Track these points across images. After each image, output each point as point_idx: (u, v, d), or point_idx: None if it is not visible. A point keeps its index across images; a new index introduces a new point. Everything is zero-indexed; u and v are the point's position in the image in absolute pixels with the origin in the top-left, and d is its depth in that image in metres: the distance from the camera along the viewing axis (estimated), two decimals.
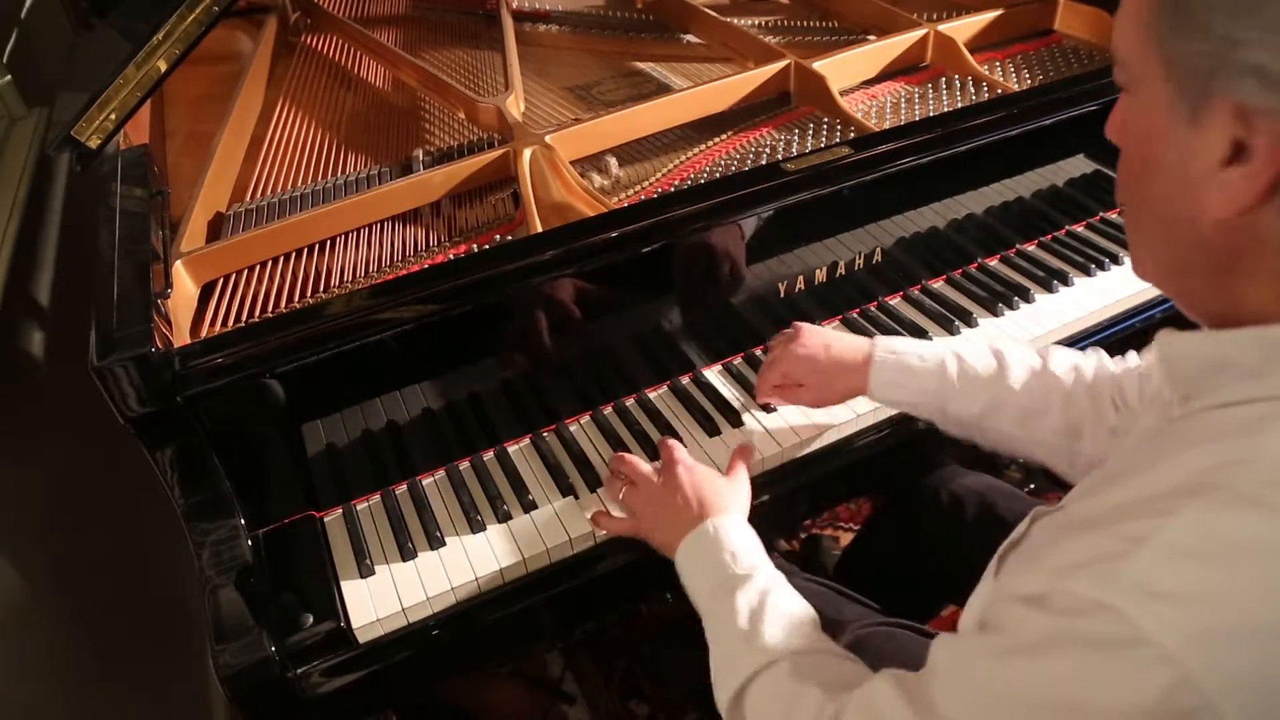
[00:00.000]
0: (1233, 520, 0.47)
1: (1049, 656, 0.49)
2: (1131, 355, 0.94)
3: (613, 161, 1.28)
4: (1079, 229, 1.40)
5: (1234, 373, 0.53)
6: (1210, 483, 0.48)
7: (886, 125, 1.33)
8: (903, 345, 1.00)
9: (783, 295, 1.18)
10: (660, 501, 0.93)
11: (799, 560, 1.76)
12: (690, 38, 1.66)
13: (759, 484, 1.03)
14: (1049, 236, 1.39)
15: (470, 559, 0.96)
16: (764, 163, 1.25)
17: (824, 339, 1.02)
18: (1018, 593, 0.53)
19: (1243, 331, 0.53)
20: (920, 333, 1.21)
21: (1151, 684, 0.45)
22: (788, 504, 1.12)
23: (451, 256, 1.12)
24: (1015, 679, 0.52)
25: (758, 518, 0.94)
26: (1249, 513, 0.47)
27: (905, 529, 1.23)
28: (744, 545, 0.86)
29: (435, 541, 0.98)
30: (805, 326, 1.05)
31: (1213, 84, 0.49)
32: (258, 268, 1.12)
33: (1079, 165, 1.34)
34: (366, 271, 1.13)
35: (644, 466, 0.98)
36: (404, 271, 1.10)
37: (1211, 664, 0.44)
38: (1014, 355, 0.96)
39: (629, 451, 1.06)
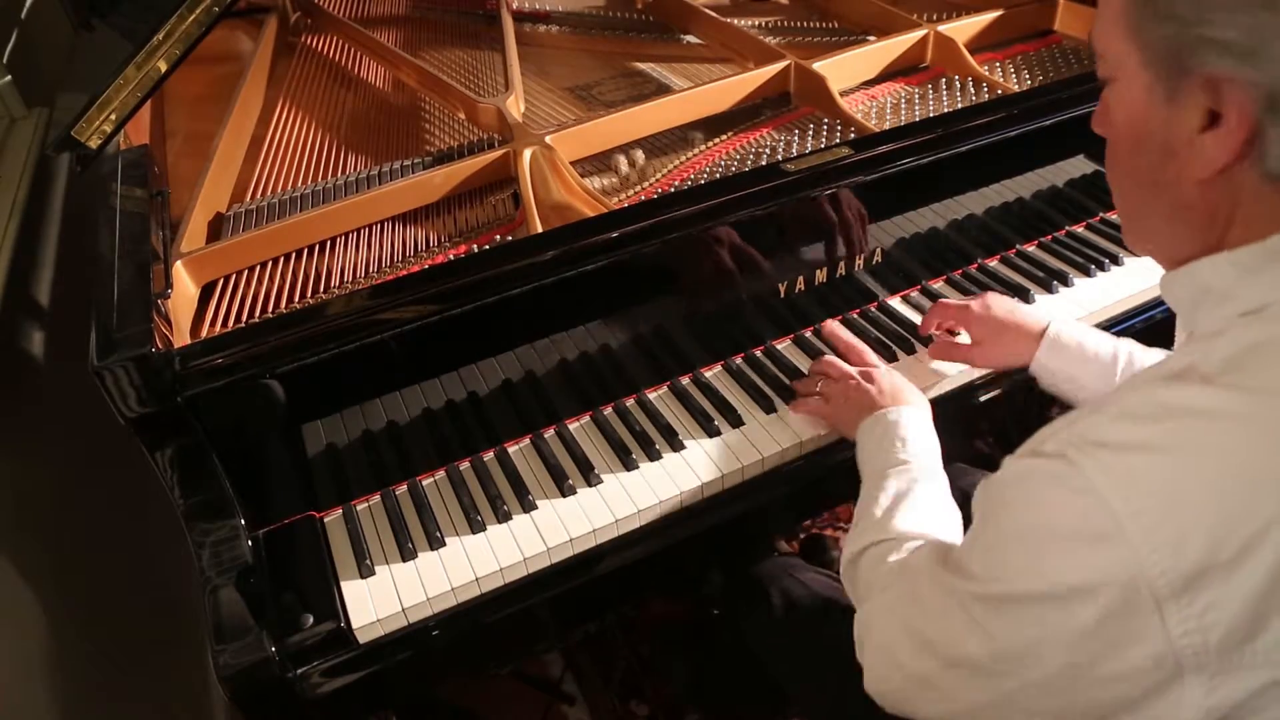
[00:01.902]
0: (1176, 391, 0.55)
1: (1019, 487, 0.61)
2: None
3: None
4: (1079, 229, 1.40)
5: (1213, 297, 0.61)
6: (1166, 374, 0.58)
7: (886, 126, 1.33)
8: (1078, 326, 1.05)
9: (783, 295, 1.18)
10: (856, 390, 1.03)
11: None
12: (690, 38, 1.66)
13: (759, 479, 1.03)
14: (1049, 237, 1.39)
15: (470, 559, 0.96)
16: (764, 163, 1.25)
17: (1010, 305, 1.09)
18: (1020, 450, 0.63)
19: (1216, 257, 0.61)
20: (920, 334, 1.21)
21: (1076, 507, 0.55)
22: (789, 503, 1.12)
23: (451, 256, 1.12)
24: (1000, 507, 0.62)
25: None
26: (1192, 386, 0.55)
27: None
28: (915, 435, 0.95)
29: (435, 542, 0.98)
30: (994, 294, 1.11)
31: (1184, 62, 0.56)
32: (258, 268, 1.12)
33: (1079, 165, 1.35)
34: (367, 272, 1.13)
35: (844, 365, 1.09)
36: (404, 272, 1.10)
37: (1125, 495, 0.53)
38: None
39: (629, 450, 1.06)
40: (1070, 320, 1.06)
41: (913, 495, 0.88)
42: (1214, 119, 0.56)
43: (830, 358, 1.12)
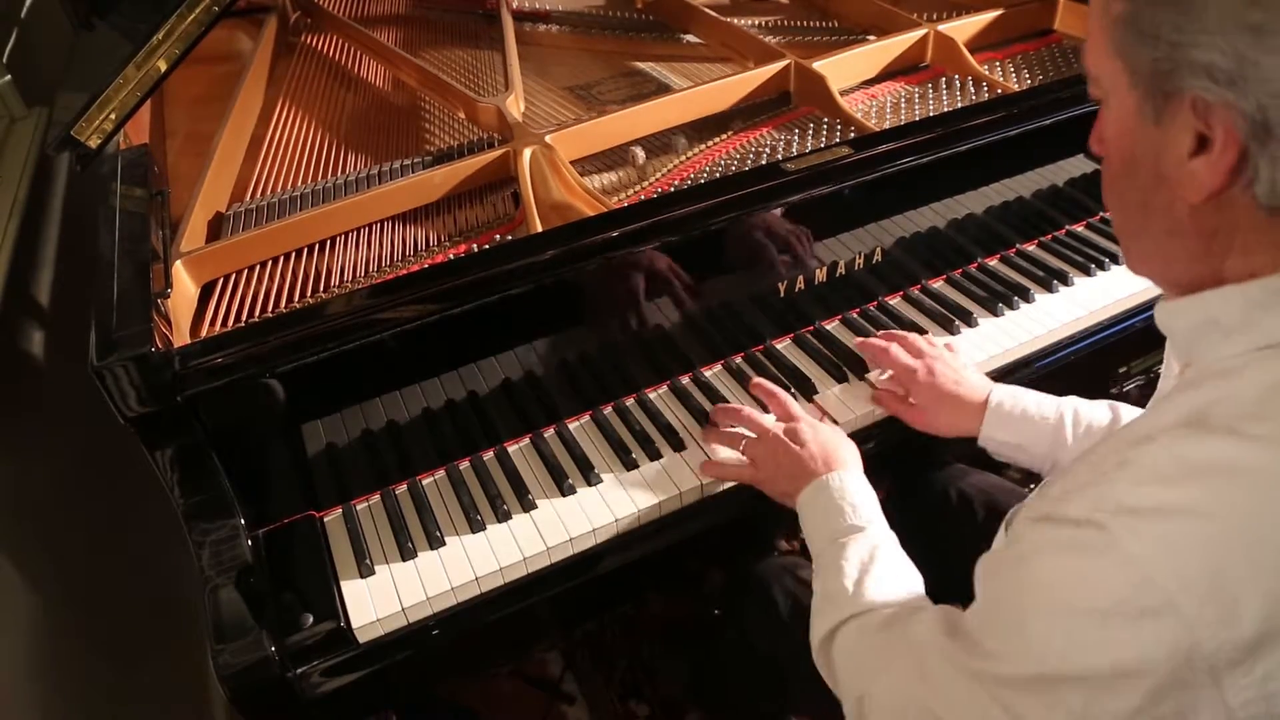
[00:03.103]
0: (1201, 446, 0.53)
1: (1044, 559, 0.57)
2: None
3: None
4: (1079, 229, 1.40)
5: (1220, 330, 0.59)
6: (1188, 420, 0.55)
7: (886, 125, 1.33)
8: (1018, 393, 1.02)
9: (783, 295, 1.18)
10: (784, 453, 0.98)
11: None
12: (690, 38, 1.66)
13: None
14: (1049, 236, 1.39)
15: (470, 559, 0.96)
16: (764, 163, 1.25)
17: (957, 375, 1.06)
18: (1028, 516, 0.61)
19: (1224, 289, 0.59)
20: (920, 332, 1.21)
21: (1121, 582, 0.52)
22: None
23: (451, 256, 1.12)
24: (1025, 582, 0.59)
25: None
26: (1218, 439, 0.53)
27: (912, 527, 1.23)
28: (863, 499, 0.92)
29: (435, 541, 0.98)
30: (944, 356, 1.08)
31: (1170, 85, 0.55)
32: (258, 268, 1.12)
33: (1079, 165, 1.34)
34: (367, 271, 1.13)
35: (764, 419, 1.03)
36: (404, 271, 1.10)
37: (1172, 567, 0.50)
38: (1125, 408, 0.99)
39: (629, 450, 1.06)
40: (1011, 387, 1.03)
41: (877, 562, 0.85)
42: (1204, 143, 0.55)
43: (748, 411, 1.05)
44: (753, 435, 1.03)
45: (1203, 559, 0.50)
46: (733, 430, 1.06)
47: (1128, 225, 0.66)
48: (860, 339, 1.16)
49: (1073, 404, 0.99)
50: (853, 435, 1.10)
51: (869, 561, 0.85)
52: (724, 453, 1.06)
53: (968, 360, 1.11)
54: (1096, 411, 0.98)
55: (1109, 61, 0.59)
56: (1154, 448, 0.55)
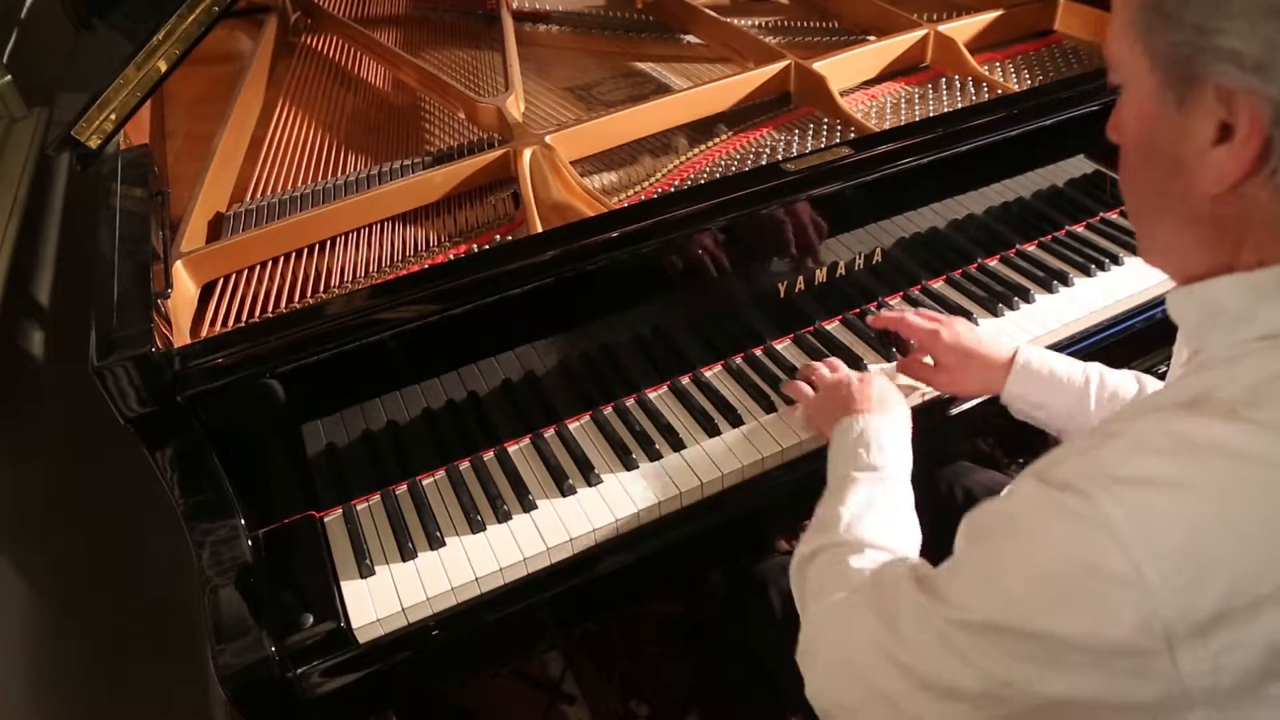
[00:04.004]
0: (1196, 424, 0.53)
1: (1024, 515, 0.58)
2: None
3: (614, 160, 1.29)
4: (1079, 229, 1.40)
5: (1226, 318, 0.59)
6: (1186, 401, 0.55)
7: (886, 126, 1.33)
8: (1046, 354, 1.03)
9: (783, 295, 1.18)
10: (833, 399, 1.02)
11: None
12: (690, 38, 1.66)
13: (759, 479, 1.03)
14: (1049, 237, 1.39)
15: (470, 559, 0.96)
16: (764, 163, 1.25)
17: (975, 331, 1.08)
18: (1026, 472, 0.61)
19: (1232, 278, 0.59)
20: None
21: (1091, 545, 0.52)
22: (789, 503, 1.12)
23: (451, 256, 1.12)
24: (1000, 534, 0.60)
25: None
26: (1214, 420, 0.53)
27: (921, 523, 1.23)
28: (888, 443, 0.93)
29: (435, 541, 0.98)
30: (960, 319, 1.09)
31: (1193, 71, 0.54)
32: (258, 268, 1.12)
33: (1079, 165, 1.35)
34: (367, 271, 1.13)
35: (848, 371, 1.08)
36: (404, 271, 1.10)
37: (1143, 535, 0.51)
38: (1151, 381, 1.00)
39: (629, 450, 1.06)
40: (1037, 347, 1.05)
41: (879, 503, 0.87)
42: (1226, 131, 0.54)
43: (837, 361, 1.12)
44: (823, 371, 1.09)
45: (1176, 531, 0.51)
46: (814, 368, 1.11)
47: (1144, 214, 0.66)
48: (873, 316, 1.17)
49: (1098, 369, 1.00)
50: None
51: (870, 500, 0.87)
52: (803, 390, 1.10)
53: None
54: (1122, 379, 0.99)
55: (1130, 46, 0.58)
56: (1147, 421, 0.56)
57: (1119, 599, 0.51)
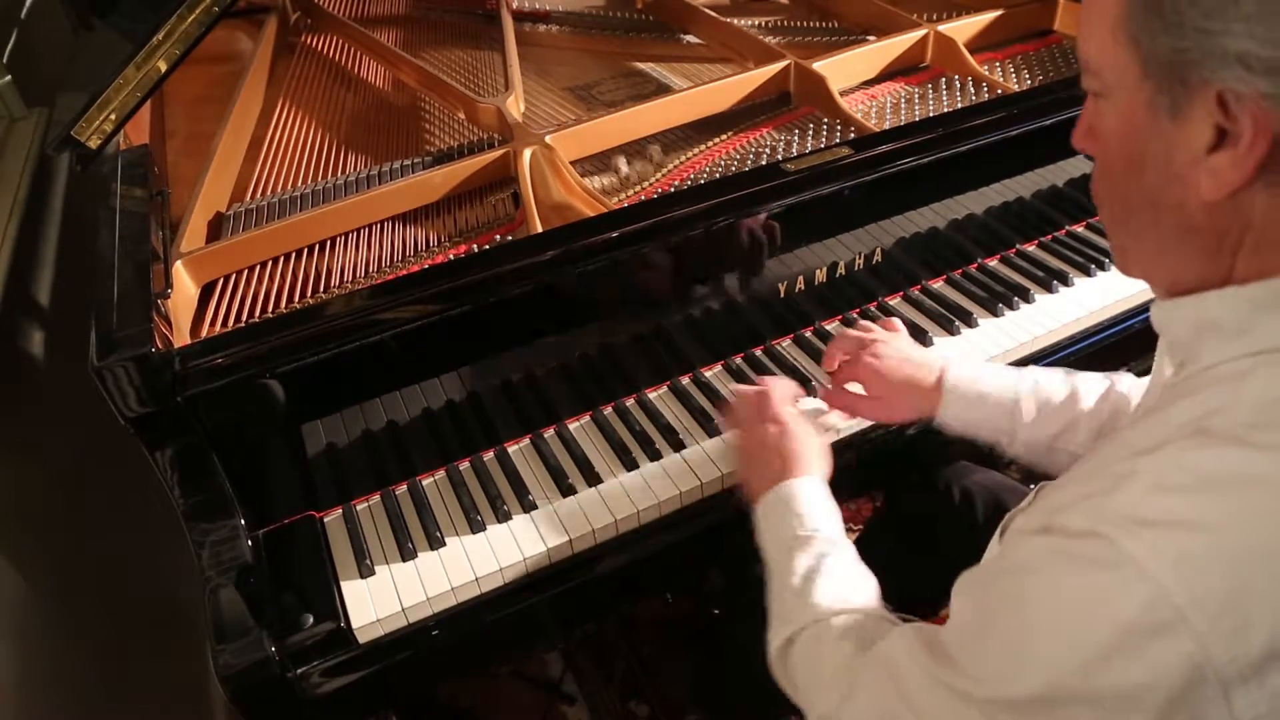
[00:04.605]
0: (1210, 456, 0.51)
1: (1047, 573, 0.55)
2: None
3: (621, 160, 1.28)
4: (1079, 229, 1.40)
5: (1222, 332, 0.57)
6: (1192, 429, 0.53)
7: (886, 126, 1.33)
8: (974, 372, 0.99)
9: (783, 295, 1.18)
10: (753, 453, 0.97)
11: None
12: (690, 38, 1.66)
13: None
14: (1049, 236, 1.39)
15: (470, 559, 0.96)
16: (764, 163, 1.25)
17: (900, 354, 1.02)
18: (1024, 528, 0.59)
19: (1227, 290, 0.57)
20: (920, 333, 1.21)
21: (1132, 598, 0.50)
22: None
23: (451, 256, 1.12)
24: (1017, 598, 0.56)
25: None
26: (1227, 449, 0.51)
27: (917, 525, 1.23)
28: (813, 508, 0.89)
29: (435, 542, 0.98)
30: (883, 336, 1.04)
31: (1192, 76, 0.52)
32: (258, 268, 1.12)
33: (1079, 165, 1.34)
34: (366, 272, 1.13)
35: (779, 410, 0.98)
36: (404, 271, 1.10)
37: (1185, 581, 0.49)
38: (1085, 379, 0.98)
39: (629, 450, 1.06)
40: (964, 364, 1.00)
41: (829, 567, 0.83)
42: (1223, 136, 0.52)
43: (741, 392, 1.03)
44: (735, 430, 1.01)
45: (1216, 573, 0.49)
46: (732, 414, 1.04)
47: (1127, 227, 0.62)
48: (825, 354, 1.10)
49: (1032, 377, 0.97)
50: (854, 437, 1.11)
51: (815, 569, 0.83)
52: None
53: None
54: (1050, 378, 0.97)
55: (1116, 51, 0.55)
56: (1160, 457, 0.53)
57: (1168, 648, 0.49)
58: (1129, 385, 0.97)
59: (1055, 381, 0.97)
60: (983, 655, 0.58)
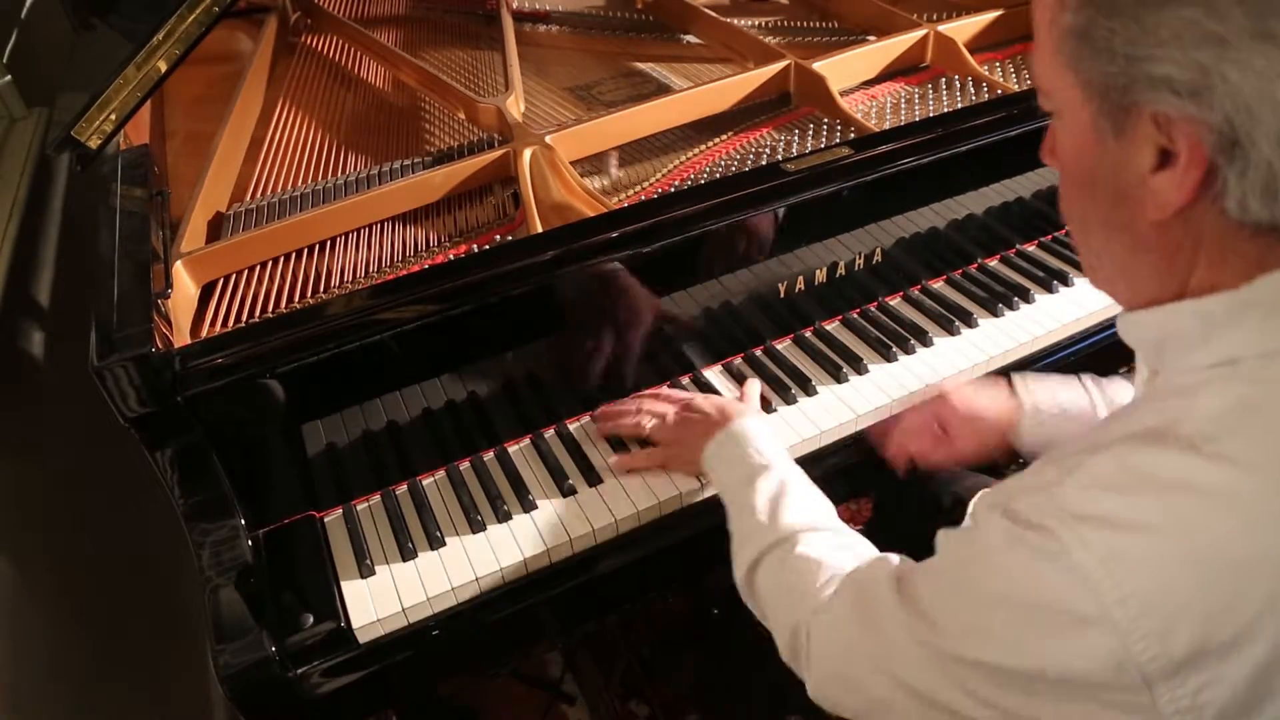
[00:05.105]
0: (1155, 458, 0.53)
1: (1000, 554, 0.58)
2: None
3: (613, 161, 1.28)
4: None
5: (1179, 344, 0.58)
6: (1145, 433, 0.55)
7: (886, 126, 1.33)
8: (1048, 393, 1.01)
9: (783, 295, 1.18)
10: (687, 422, 1.02)
11: None
12: (690, 38, 1.66)
13: None
14: (1049, 236, 1.39)
15: (470, 559, 0.96)
16: (764, 163, 1.25)
17: (975, 398, 1.03)
18: (991, 503, 0.61)
19: (1181, 304, 0.58)
20: (920, 333, 1.21)
21: (1061, 588, 0.53)
22: None
23: (451, 256, 1.12)
24: (979, 568, 0.60)
25: None
26: (1174, 453, 0.52)
27: (907, 529, 1.23)
28: (765, 441, 0.94)
29: (435, 542, 0.98)
30: (950, 386, 1.06)
31: (1128, 99, 0.53)
32: (258, 268, 1.12)
33: None
34: (366, 272, 1.13)
35: (657, 404, 1.06)
36: (404, 271, 1.10)
37: (1113, 578, 0.51)
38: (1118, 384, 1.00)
39: (629, 450, 1.06)
40: (1029, 382, 1.02)
41: (789, 490, 0.87)
42: (1166, 157, 0.53)
43: (639, 401, 1.07)
44: (651, 422, 1.05)
45: (1144, 574, 0.50)
46: (629, 419, 1.06)
47: (1089, 243, 0.64)
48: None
49: (1091, 381, 1.00)
50: (850, 438, 1.11)
51: (779, 494, 0.87)
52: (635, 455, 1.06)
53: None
54: (1117, 387, 0.99)
55: (1059, 75, 0.56)
56: (1105, 456, 0.55)
57: (1092, 640, 0.52)
58: None
59: (1117, 383, 1.00)
60: (945, 612, 0.62)
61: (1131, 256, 0.60)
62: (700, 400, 1.03)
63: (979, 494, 0.72)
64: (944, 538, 0.66)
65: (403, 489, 1.05)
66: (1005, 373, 1.13)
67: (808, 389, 1.14)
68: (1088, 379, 1.00)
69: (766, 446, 0.93)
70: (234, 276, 1.10)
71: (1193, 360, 0.57)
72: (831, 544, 0.82)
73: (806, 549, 0.81)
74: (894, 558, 0.74)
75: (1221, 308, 0.55)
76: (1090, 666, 0.52)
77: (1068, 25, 0.54)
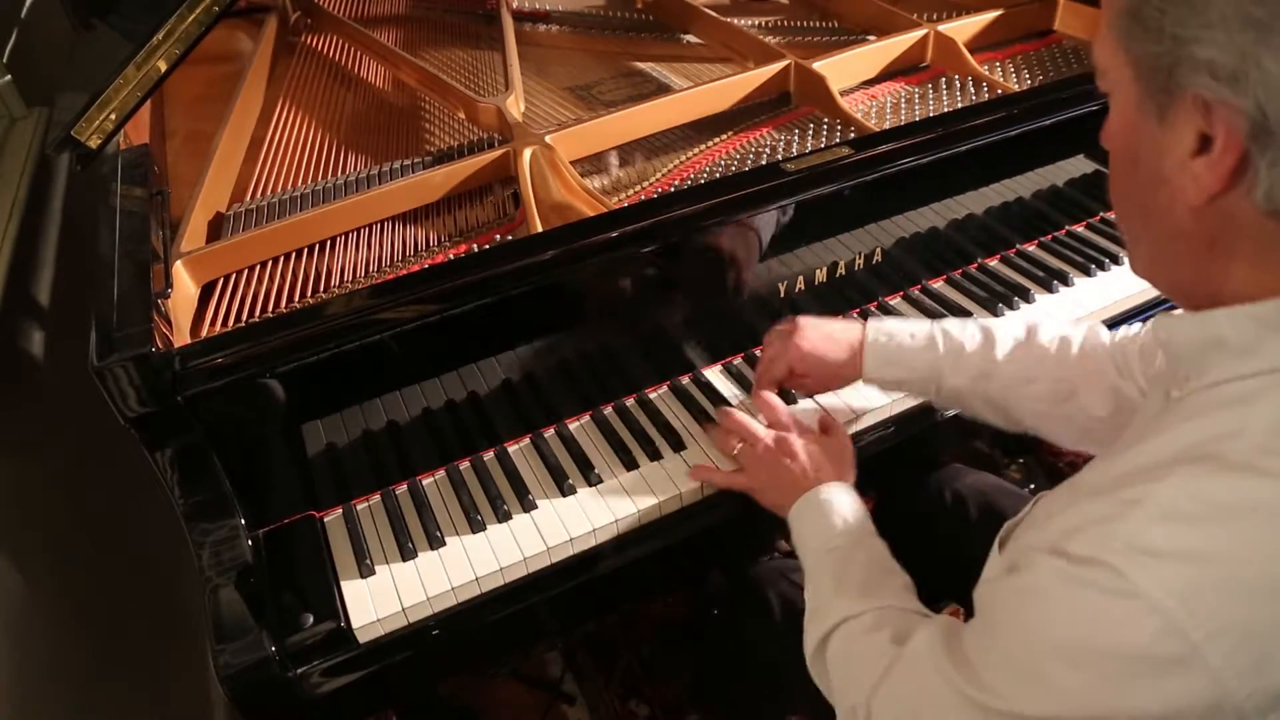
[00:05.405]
0: (1220, 484, 0.51)
1: (1057, 597, 0.55)
2: (1123, 327, 0.99)
3: (613, 161, 1.28)
4: (1079, 229, 1.40)
5: (1229, 351, 0.56)
6: (1202, 453, 0.53)
7: (886, 125, 1.33)
8: (893, 325, 1.03)
9: (783, 295, 1.18)
10: (775, 465, 0.98)
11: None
12: (690, 38, 1.66)
13: None
14: (1049, 236, 1.39)
15: (470, 559, 0.96)
16: (764, 163, 1.25)
17: (824, 330, 1.05)
18: (1034, 545, 0.58)
19: (1235, 309, 0.56)
20: None
21: (1143, 630, 0.50)
22: None
23: (451, 256, 1.12)
24: (1033, 616, 0.57)
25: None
26: (1237, 477, 0.51)
27: (907, 528, 1.23)
28: (851, 513, 0.92)
29: (435, 541, 0.98)
30: (802, 320, 1.06)
31: (1173, 81, 0.53)
32: (258, 268, 1.12)
33: (1079, 165, 1.35)
34: (367, 271, 1.13)
35: (756, 427, 1.02)
36: (404, 271, 1.10)
37: (1197, 615, 0.49)
38: (999, 328, 1.01)
39: (629, 450, 1.06)
40: (883, 321, 1.04)
41: (865, 570, 0.85)
42: (1206, 142, 0.53)
43: (740, 417, 1.04)
44: (739, 445, 1.03)
45: (1229, 607, 0.49)
46: (732, 436, 1.05)
47: (1131, 226, 0.64)
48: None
49: (941, 324, 1.01)
50: (860, 434, 1.11)
51: (856, 569, 0.85)
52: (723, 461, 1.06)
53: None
54: (968, 330, 1.00)
55: (1112, 53, 0.57)
56: (1169, 485, 0.53)
57: (1184, 683, 0.49)
58: (1089, 335, 0.98)
59: (967, 328, 1.00)
60: (995, 671, 0.59)
61: (1169, 242, 0.59)
62: (796, 442, 0.98)
63: (1007, 529, 0.69)
64: (986, 592, 0.64)
65: (403, 489, 1.05)
66: None
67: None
68: (937, 325, 1.01)
69: (851, 517, 0.91)
70: (234, 276, 1.10)
71: (1240, 367, 0.56)
72: (898, 622, 0.79)
73: (874, 626, 0.79)
74: (943, 620, 0.72)
75: (1274, 312, 0.54)
76: (1180, 711, 0.50)
77: (1124, 5, 0.55)
